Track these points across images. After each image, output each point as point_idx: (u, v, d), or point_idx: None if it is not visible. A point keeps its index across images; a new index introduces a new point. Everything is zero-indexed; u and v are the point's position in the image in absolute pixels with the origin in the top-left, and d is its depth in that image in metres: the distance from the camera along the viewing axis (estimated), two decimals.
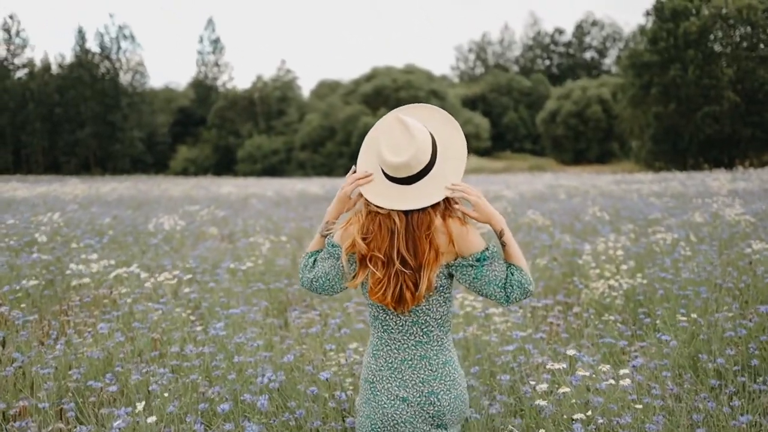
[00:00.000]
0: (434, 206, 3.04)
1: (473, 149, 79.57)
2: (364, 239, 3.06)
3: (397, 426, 3.10)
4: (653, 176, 38.54)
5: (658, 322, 6.72)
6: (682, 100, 58.67)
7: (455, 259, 3.07)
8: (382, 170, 3.06)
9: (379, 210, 3.04)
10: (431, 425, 3.12)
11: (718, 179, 27.83)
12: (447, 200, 3.09)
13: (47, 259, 9.80)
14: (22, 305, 8.01)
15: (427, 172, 3.02)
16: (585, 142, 78.62)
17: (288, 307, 8.46)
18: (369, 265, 3.05)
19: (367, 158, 3.16)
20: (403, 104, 3.38)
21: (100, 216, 15.76)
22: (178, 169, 79.64)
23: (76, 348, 5.87)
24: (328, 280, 3.20)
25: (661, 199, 19.37)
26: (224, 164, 79.67)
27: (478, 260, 3.04)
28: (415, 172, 2.99)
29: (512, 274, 3.07)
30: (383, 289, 3.03)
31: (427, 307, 3.09)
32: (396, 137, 2.97)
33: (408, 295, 3.01)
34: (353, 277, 3.14)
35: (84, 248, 10.71)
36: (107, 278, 8.34)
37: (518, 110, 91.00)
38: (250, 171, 73.86)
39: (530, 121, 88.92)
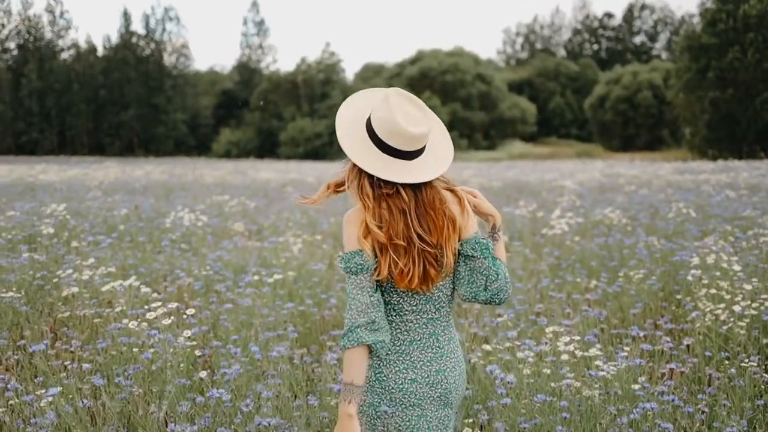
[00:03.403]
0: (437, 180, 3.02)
1: (519, 134, 78.37)
2: (379, 227, 2.89)
3: (405, 410, 2.99)
4: (713, 165, 36.55)
5: None
6: (740, 85, 56.24)
7: (458, 242, 3.01)
8: (383, 145, 2.93)
9: (388, 191, 2.91)
10: (438, 405, 3.03)
11: None
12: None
13: (41, 259, 8.28)
14: None
15: (424, 147, 3.00)
16: (634, 128, 76.39)
17: (322, 334, 6.85)
18: (392, 253, 2.89)
19: (353, 134, 3.00)
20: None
21: (119, 205, 14.24)
22: (220, 152, 78.92)
23: (24, 410, 4.27)
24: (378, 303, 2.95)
25: (738, 192, 17.48)
26: (267, 147, 78.71)
27: (482, 250, 2.98)
28: (424, 144, 2.96)
29: (497, 266, 3.02)
30: (411, 273, 2.90)
31: (442, 284, 3.03)
32: (409, 110, 2.92)
33: (432, 271, 2.93)
34: (376, 270, 2.92)
35: (87, 247, 9.19)
36: (101, 291, 6.76)
37: (565, 95, 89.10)
38: (293, 154, 72.82)
39: (577, 106, 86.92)
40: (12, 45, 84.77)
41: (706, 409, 4.61)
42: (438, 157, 3.02)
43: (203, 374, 4.96)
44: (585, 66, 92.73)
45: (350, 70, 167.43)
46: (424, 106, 2.99)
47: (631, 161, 48.22)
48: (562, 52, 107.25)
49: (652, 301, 7.49)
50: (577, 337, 5.27)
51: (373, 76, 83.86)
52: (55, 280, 7.40)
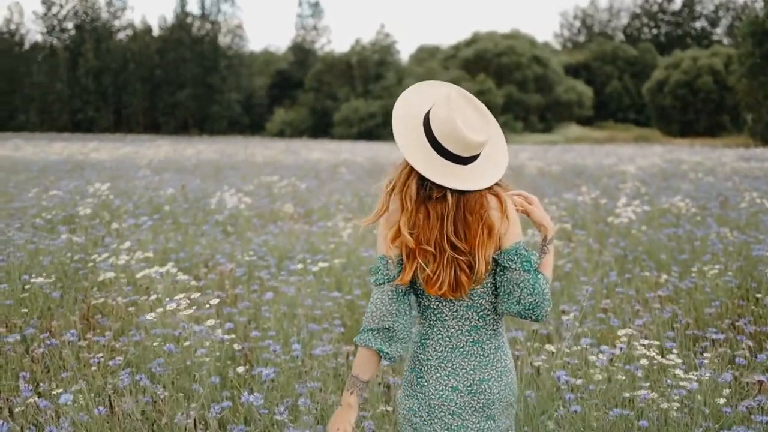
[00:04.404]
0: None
1: (575, 117, 77.45)
2: (410, 233, 2.77)
3: (444, 418, 2.85)
4: None
5: None
6: None
7: (497, 252, 2.81)
8: (439, 146, 2.77)
9: (437, 194, 2.77)
10: (480, 417, 2.87)
11: None
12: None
13: (79, 241, 7.92)
14: (24, 310, 6.12)
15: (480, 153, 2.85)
16: (693, 113, 74.91)
17: None
18: (419, 260, 2.78)
19: (411, 130, 2.83)
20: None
21: (166, 185, 13.90)
22: (274, 131, 79.22)
23: (36, 416, 3.85)
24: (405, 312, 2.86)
25: None
26: (321, 127, 78.73)
27: (523, 263, 2.79)
28: (480, 151, 2.82)
29: (536, 280, 2.81)
30: (439, 279, 2.78)
31: (483, 290, 2.86)
32: (469, 114, 2.78)
33: (464, 278, 2.78)
34: (400, 273, 2.81)
35: (128, 229, 8.81)
36: (137, 278, 6.36)
37: (623, 79, 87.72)
38: (347, 134, 72.72)
39: (635, 90, 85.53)
40: (69, 25, 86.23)
41: None
42: (495, 163, 2.90)
43: (240, 369, 4.57)
44: (644, 50, 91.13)
45: (405, 52, 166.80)
46: (485, 109, 2.84)
47: (691, 147, 47.20)
48: (620, 36, 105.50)
49: (729, 299, 6.89)
50: (654, 342, 4.74)
51: (427, 57, 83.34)
52: (91, 264, 7.04)
